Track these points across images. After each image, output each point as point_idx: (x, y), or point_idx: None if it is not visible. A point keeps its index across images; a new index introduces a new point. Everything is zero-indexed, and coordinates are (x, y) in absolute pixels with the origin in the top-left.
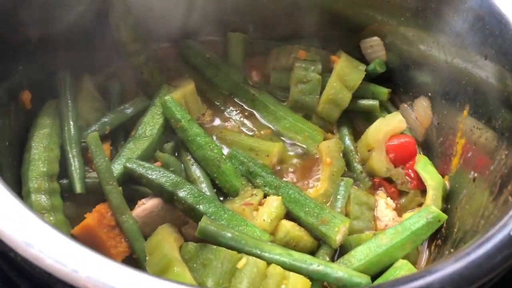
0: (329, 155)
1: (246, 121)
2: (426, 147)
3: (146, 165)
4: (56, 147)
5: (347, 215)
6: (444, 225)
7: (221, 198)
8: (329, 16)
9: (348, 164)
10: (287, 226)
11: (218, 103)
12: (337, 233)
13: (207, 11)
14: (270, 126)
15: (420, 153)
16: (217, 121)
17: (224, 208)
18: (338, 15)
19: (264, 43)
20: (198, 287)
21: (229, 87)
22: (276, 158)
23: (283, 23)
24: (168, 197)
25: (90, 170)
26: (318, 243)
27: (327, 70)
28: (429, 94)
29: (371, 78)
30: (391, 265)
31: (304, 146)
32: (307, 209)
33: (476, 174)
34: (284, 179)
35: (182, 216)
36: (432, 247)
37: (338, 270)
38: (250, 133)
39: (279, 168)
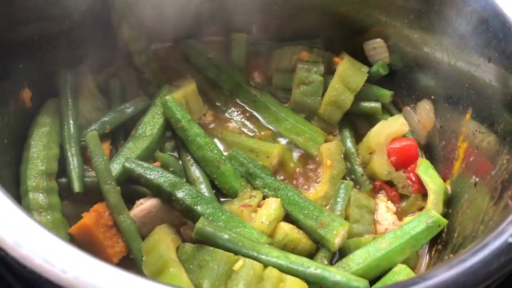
0: (329, 157)
1: (247, 122)
2: (429, 150)
3: (144, 165)
4: (55, 145)
5: (347, 218)
6: (445, 230)
7: (221, 199)
8: (332, 18)
9: (349, 166)
10: (286, 228)
11: (219, 104)
12: (336, 236)
13: (210, 11)
14: (271, 127)
15: (422, 157)
16: (218, 122)
17: (222, 210)
18: (341, 17)
19: (267, 44)
20: None
21: (231, 88)
22: (276, 160)
23: (286, 24)
24: (166, 197)
25: (90, 169)
26: (316, 246)
27: (329, 72)
28: (432, 97)
29: (374, 80)
30: (390, 269)
31: (305, 148)
32: (306, 211)
33: (477, 179)
34: (284, 180)
35: (180, 216)
36: (433, 252)
37: (336, 274)
38: (251, 134)
39: (279, 169)
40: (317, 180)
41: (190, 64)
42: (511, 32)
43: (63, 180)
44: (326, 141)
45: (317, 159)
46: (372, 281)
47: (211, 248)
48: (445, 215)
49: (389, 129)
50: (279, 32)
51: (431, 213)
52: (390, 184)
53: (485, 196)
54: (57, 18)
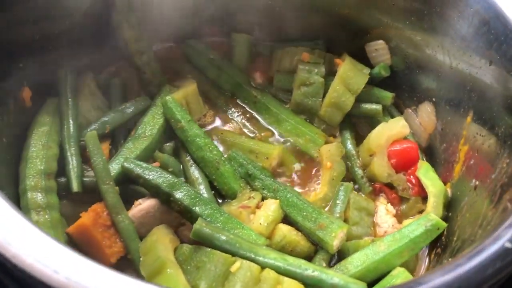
0: (329, 159)
1: (247, 123)
2: (430, 153)
3: (143, 165)
4: (55, 145)
5: (346, 220)
6: (445, 233)
7: (220, 200)
8: (334, 19)
9: (349, 168)
10: (284, 230)
11: (220, 104)
12: (334, 239)
13: (212, 11)
14: (272, 128)
15: (423, 159)
16: (219, 122)
17: (220, 211)
18: (343, 18)
19: (269, 44)
20: None
21: (232, 88)
22: (276, 161)
23: (288, 25)
24: (164, 198)
25: (89, 169)
26: (315, 248)
27: (331, 73)
28: (434, 99)
29: (375, 82)
30: (388, 272)
31: (305, 149)
32: (304, 213)
33: (477, 182)
34: (283, 182)
35: (178, 217)
36: (432, 255)
37: (333, 276)
38: (251, 135)
39: (279, 171)
40: (317, 182)
41: (191, 64)
42: None
43: (62, 179)
44: (326, 142)
45: (317, 160)
46: (371, 284)
47: (209, 249)
48: (445, 218)
49: (390, 131)
50: (281, 33)
51: (430, 216)
52: (390, 186)
53: (484, 199)
54: (57, 17)
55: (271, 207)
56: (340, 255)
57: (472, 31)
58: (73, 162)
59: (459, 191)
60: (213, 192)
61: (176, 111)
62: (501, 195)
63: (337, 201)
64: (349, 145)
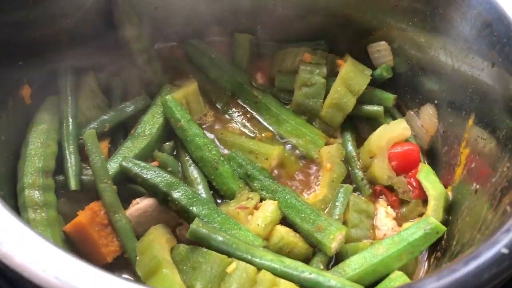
0: (329, 161)
1: (247, 123)
2: (431, 155)
3: (141, 164)
4: (53, 143)
5: (345, 222)
6: (445, 237)
7: (218, 201)
8: (337, 20)
9: (349, 170)
10: (282, 231)
11: (221, 104)
12: (333, 241)
13: (215, 11)
14: (272, 129)
15: (424, 162)
16: (219, 122)
17: (218, 211)
18: (346, 19)
19: (271, 45)
20: None
21: (233, 88)
22: (276, 162)
23: (291, 25)
24: (162, 197)
25: (88, 168)
26: (313, 250)
27: (333, 74)
28: (436, 101)
29: (377, 83)
30: (387, 275)
31: (305, 151)
32: (303, 215)
33: (478, 186)
34: (283, 183)
35: (176, 217)
36: (432, 259)
37: (330, 279)
38: (252, 135)
39: (278, 172)
40: (317, 183)
41: (193, 64)
42: None
43: (61, 177)
44: (327, 144)
45: (317, 162)
46: (368, 287)
47: (205, 249)
48: (445, 222)
49: (391, 133)
50: (283, 33)
51: (430, 220)
52: (390, 189)
53: (484, 203)
54: (59, 16)
55: (269, 208)
56: (339, 258)
57: (475, 32)
58: (71, 160)
59: (460, 195)
60: (211, 192)
61: (176, 110)
62: (500, 199)
63: (337, 203)
64: (350, 147)
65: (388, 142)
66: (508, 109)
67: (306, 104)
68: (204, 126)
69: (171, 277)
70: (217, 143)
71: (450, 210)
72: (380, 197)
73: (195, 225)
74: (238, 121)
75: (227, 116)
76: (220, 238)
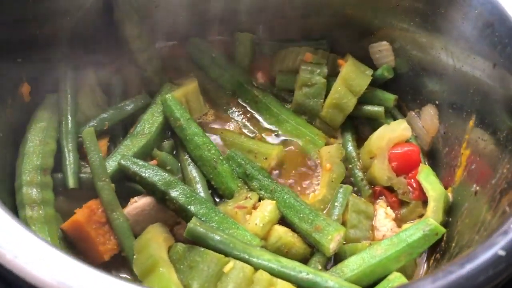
0: (329, 161)
1: (247, 123)
2: (432, 156)
3: (140, 163)
4: (52, 141)
5: (344, 223)
6: (444, 238)
7: (217, 200)
8: (338, 19)
9: (349, 170)
10: (280, 231)
11: (221, 103)
12: (331, 241)
13: (217, 10)
14: (272, 128)
15: (425, 163)
16: (219, 122)
17: (216, 210)
18: (347, 19)
19: (272, 44)
20: None
21: (233, 88)
22: (275, 161)
23: (292, 25)
24: (160, 196)
25: (86, 166)
26: (311, 251)
27: (334, 74)
28: (437, 102)
29: (379, 83)
30: (385, 276)
31: (305, 150)
32: (301, 215)
33: (478, 188)
34: (282, 183)
35: (174, 216)
36: (431, 261)
37: (328, 280)
38: (251, 135)
39: (277, 171)
40: (316, 183)
41: (193, 63)
42: None
43: (59, 175)
44: (327, 144)
45: (316, 162)
46: None
47: (202, 249)
48: (445, 223)
49: (391, 133)
50: (284, 33)
51: (429, 221)
52: (390, 189)
53: (483, 205)
54: (59, 14)
55: (267, 208)
56: (337, 258)
57: (476, 33)
58: (70, 158)
59: (460, 196)
60: (210, 191)
61: (175, 109)
62: (499, 200)
63: (336, 204)
64: (350, 147)
65: (388, 142)
66: (509, 110)
67: (307, 104)
68: (204, 125)
69: (168, 276)
70: (219, 141)
71: (450, 211)
72: (380, 198)
73: (193, 224)
74: (238, 121)
75: (227, 115)
76: (217, 237)
